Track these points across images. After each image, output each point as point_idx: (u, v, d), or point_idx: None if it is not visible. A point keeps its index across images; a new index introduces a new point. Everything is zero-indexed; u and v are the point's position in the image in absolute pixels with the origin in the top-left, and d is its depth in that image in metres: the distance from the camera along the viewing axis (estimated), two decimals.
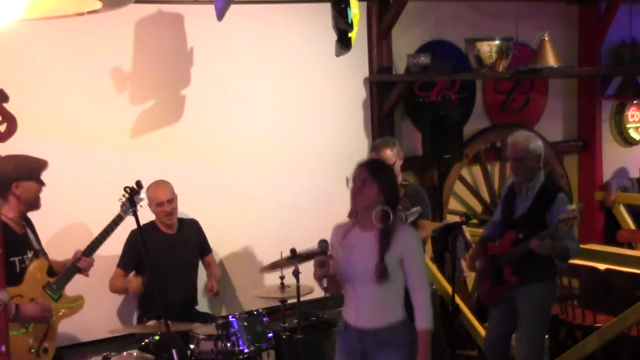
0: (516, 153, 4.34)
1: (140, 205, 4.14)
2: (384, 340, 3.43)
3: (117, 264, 4.70)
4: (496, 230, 4.56)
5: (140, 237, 3.78)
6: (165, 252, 4.69)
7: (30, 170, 3.90)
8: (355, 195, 3.39)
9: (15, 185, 3.84)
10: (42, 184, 3.94)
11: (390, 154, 4.85)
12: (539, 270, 4.26)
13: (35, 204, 3.95)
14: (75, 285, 4.11)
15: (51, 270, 3.99)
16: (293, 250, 4.53)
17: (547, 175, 4.46)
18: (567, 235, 4.14)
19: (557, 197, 4.24)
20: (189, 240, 4.90)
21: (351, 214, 3.51)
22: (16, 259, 3.82)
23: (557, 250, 4.13)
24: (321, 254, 3.39)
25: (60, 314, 3.94)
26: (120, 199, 4.01)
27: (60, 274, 3.98)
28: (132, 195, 3.88)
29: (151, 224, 4.75)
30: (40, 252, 4.01)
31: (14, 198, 3.86)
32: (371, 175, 3.37)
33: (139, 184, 4.04)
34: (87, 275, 4.06)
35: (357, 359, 3.51)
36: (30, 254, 3.91)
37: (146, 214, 4.58)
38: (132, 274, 4.72)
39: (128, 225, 4.16)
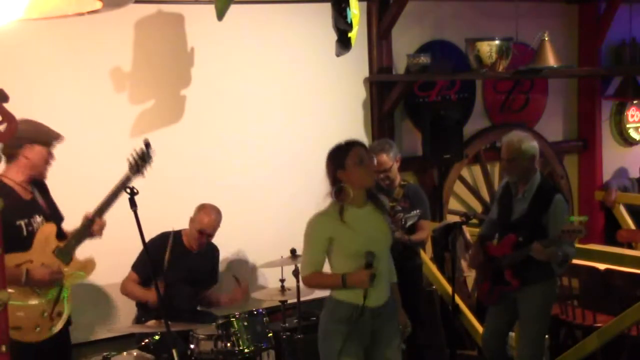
0: (509, 154, 4.33)
1: (150, 166, 3.94)
2: (390, 311, 3.57)
3: (132, 267, 4.65)
4: (494, 229, 4.56)
5: (146, 253, 3.77)
6: (181, 267, 4.63)
7: (45, 135, 3.86)
8: (372, 172, 3.65)
9: (28, 147, 3.80)
10: (51, 155, 3.89)
11: (386, 159, 4.85)
12: (539, 271, 4.26)
13: (42, 172, 3.89)
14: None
15: (60, 234, 3.92)
16: (293, 251, 4.53)
17: (542, 176, 4.45)
18: (566, 241, 4.14)
19: (554, 199, 4.23)
20: (206, 263, 4.86)
21: (339, 195, 3.52)
22: (22, 222, 3.76)
23: (559, 257, 4.13)
24: (368, 266, 3.40)
25: (72, 277, 3.91)
26: (128, 159, 3.88)
27: (70, 237, 3.94)
28: (141, 159, 3.82)
29: (176, 234, 4.68)
30: (51, 217, 3.93)
31: (25, 160, 3.80)
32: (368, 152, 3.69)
33: (147, 143, 3.89)
34: (100, 237, 3.98)
35: (366, 343, 3.52)
36: (39, 219, 3.85)
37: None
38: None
39: (130, 225, 4.07)
